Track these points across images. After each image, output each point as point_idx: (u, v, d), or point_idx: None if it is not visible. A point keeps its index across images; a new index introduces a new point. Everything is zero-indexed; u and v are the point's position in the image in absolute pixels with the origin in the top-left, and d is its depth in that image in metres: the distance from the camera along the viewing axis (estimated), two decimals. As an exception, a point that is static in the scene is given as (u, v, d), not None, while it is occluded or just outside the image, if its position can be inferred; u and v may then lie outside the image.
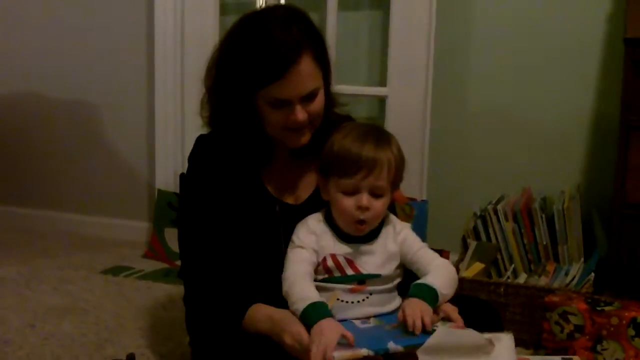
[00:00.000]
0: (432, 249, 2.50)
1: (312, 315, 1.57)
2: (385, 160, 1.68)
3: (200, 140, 1.91)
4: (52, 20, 3.45)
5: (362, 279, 1.71)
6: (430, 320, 1.58)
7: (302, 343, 1.55)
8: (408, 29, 2.94)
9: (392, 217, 1.81)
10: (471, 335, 1.55)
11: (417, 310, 1.60)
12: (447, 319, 1.64)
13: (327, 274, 1.71)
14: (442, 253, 2.53)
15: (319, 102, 1.76)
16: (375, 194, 1.69)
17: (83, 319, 2.47)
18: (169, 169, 3.28)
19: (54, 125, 3.56)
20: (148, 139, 3.38)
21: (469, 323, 1.78)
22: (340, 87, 3.05)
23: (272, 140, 1.83)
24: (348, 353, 1.51)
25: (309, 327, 1.56)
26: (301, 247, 1.72)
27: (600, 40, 2.77)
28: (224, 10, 3.19)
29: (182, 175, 1.95)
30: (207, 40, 2.95)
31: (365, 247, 1.73)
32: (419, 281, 1.69)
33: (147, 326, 2.42)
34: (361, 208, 1.67)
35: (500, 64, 2.92)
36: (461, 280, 2.37)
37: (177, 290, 2.75)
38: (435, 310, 1.64)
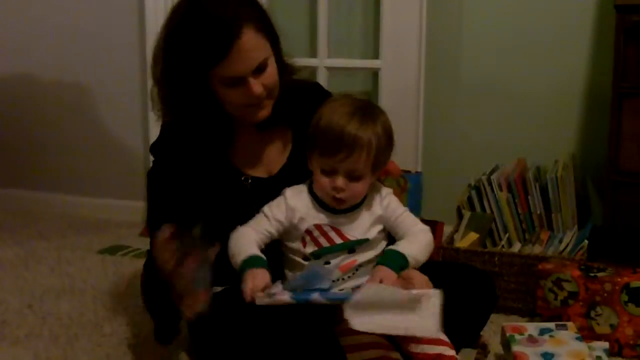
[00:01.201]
0: (426, 220, 2.52)
1: (249, 263, 1.63)
2: (366, 143, 1.67)
3: (163, 127, 1.89)
4: (42, 2, 3.43)
5: (351, 246, 1.72)
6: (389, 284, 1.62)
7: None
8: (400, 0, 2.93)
9: (377, 182, 1.81)
10: (397, 292, 1.55)
11: (377, 278, 1.64)
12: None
13: (315, 245, 1.72)
14: (437, 224, 2.55)
15: (271, 72, 1.74)
16: (352, 176, 1.69)
17: (81, 298, 2.48)
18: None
19: (48, 107, 3.55)
20: (142, 119, 3.37)
21: (464, 292, 1.81)
22: (334, 61, 3.08)
23: (233, 118, 1.81)
24: (269, 299, 1.56)
25: (242, 273, 1.62)
26: (265, 215, 1.74)
27: (592, 8, 2.75)
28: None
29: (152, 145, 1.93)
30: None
31: (350, 214, 1.74)
32: (389, 247, 1.71)
33: (144, 303, 2.43)
34: (336, 189, 1.68)
35: (493, 35, 2.91)
36: (456, 250, 2.39)
37: (174, 267, 2.76)
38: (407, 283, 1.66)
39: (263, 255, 1.67)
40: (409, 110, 2.97)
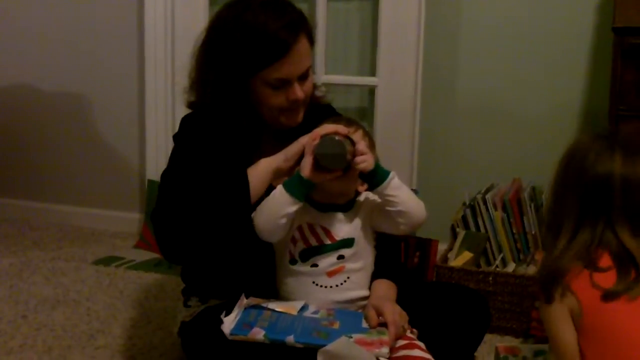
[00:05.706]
0: (421, 238, 2.53)
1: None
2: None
3: (186, 120, 1.89)
4: (40, 11, 3.44)
5: (339, 247, 1.72)
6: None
7: None
8: (397, 18, 2.94)
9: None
10: (367, 356, 1.54)
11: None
12: (385, 326, 1.64)
13: (304, 244, 1.72)
14: (431, 242, 2.56)
15: (310, 81, 1.84)
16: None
17: (75, 309, 2.48)
18: (159, 159, 3.27)
19: (45, 116, 3.55)
20: (139, 130, 3.38)
21: (458, 312, 1.80)
22: (330, 77, 3.09)
23: (261, 126, 1.85)
24: (242, 335, 1.56)
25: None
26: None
27: (589, 30, 2.77)
28: None
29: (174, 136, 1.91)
30: (198, 30, 2.89)
31: (340, 216, 1.74)
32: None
33: (138, 316, 2.44)
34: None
35: (490, 54, 2.93)
36: (450, 270, 2.39)
37: (168, 280, 2.76)
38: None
39: None
40: (405, 127, 2.98)
